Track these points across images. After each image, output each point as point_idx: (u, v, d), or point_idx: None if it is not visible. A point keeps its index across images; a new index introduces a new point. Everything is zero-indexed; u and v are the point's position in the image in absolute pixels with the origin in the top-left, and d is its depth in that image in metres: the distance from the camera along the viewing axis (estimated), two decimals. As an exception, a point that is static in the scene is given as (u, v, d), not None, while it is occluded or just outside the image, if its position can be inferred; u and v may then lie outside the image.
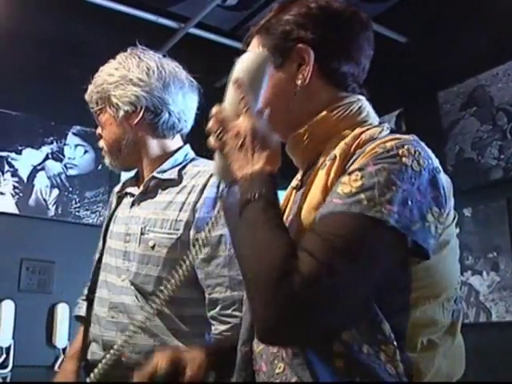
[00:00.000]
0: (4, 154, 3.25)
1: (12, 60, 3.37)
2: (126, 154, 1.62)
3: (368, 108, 1.05)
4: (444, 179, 0.91)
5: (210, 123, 0.99)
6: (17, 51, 3.39)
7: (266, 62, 1.02)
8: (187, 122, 1.64)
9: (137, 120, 1.57)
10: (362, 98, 1.06)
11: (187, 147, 1.68)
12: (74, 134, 3.56)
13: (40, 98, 3.42)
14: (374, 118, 1.04)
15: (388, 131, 0.97)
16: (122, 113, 1.57)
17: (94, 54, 3.74)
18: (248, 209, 0.89)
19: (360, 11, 1.08)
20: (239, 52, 1.08)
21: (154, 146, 1.62)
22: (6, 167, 3.25)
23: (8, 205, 3.23)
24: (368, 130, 0.97)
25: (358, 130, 0.97)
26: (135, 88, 1.55)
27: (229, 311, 1.43)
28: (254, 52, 1.05)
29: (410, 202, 0.83)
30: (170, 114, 1.58)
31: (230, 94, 1.00)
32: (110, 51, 1.59)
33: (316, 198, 0.91)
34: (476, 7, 3.21)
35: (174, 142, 1.66)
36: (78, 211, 3.45)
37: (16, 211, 3.26)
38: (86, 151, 3.58)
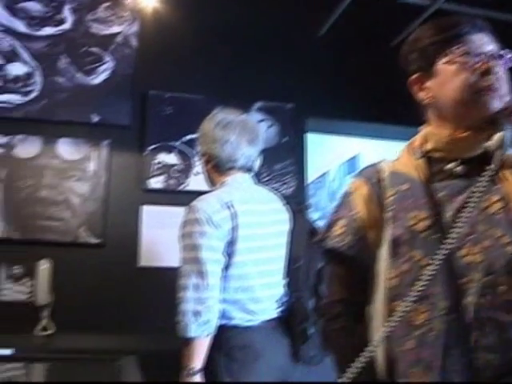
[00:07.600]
0: (194, 136, 3.38)
1: (191, 49, 3.49)
2: None
3: None
4: None
5: None
6: (193, 41, 3.51)
7: None
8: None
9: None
10: None
11: None
12: (257, 109, 3.61)
13: (218, 79, 3.51)
14: None
15: None
16: None
17: (260, 34, 3.75)
18: None
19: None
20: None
21: None
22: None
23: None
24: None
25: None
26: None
27: None
28: None
29: None
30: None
31: None
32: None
33: None
34: None
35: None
36: (269, 183, 3.49)
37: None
38: (270, 125, 3.60)
